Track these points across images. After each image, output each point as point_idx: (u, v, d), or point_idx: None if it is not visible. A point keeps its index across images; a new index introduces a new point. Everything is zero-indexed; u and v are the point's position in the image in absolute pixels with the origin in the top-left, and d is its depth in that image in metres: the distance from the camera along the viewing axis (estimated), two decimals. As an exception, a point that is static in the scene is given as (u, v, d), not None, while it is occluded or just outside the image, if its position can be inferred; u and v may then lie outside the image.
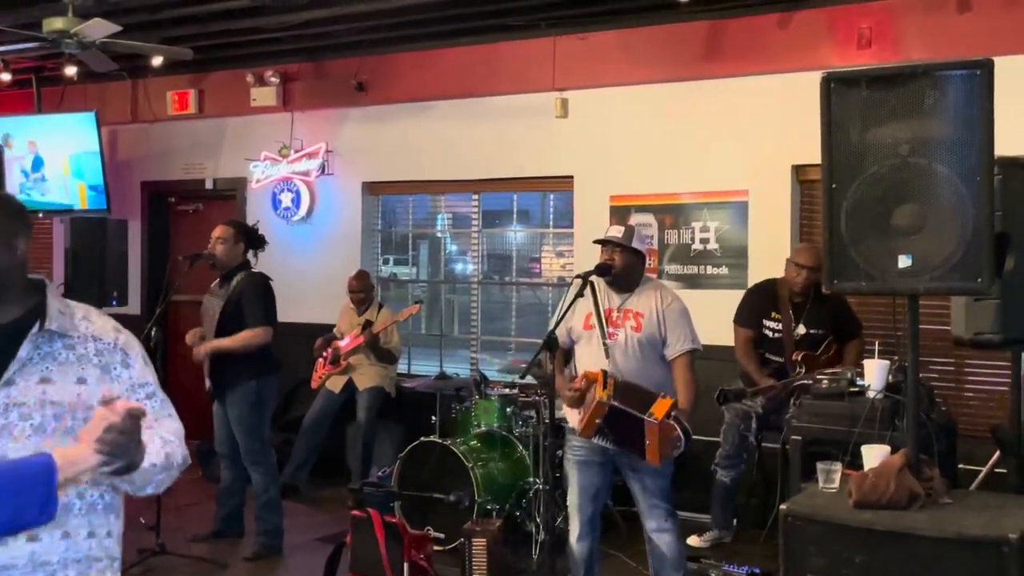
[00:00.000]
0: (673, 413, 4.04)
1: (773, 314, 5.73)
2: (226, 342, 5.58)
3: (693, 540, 5.82)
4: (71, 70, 8.07)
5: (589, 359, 4.37)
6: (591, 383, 4.14)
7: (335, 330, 7.42)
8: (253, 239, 5.86)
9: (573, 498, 4.46)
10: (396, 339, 7.25)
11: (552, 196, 7.63)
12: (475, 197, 7.87)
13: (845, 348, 5.71)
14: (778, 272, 5.99)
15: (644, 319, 4.36)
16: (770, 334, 5.73)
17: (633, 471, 4.36)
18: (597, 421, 4.11)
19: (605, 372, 4.15)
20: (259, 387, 5.70)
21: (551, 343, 4.23)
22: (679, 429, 4.05)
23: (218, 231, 5.76)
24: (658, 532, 4.38)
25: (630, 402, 4.05)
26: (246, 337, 5.58)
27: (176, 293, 6.27)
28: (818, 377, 4.46)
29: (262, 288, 5.71)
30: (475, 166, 7.55)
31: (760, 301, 5.81)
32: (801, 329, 5.65)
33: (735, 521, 6.03)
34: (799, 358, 5.55)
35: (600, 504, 4.55)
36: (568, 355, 4.58)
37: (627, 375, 4.24)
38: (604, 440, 4.22)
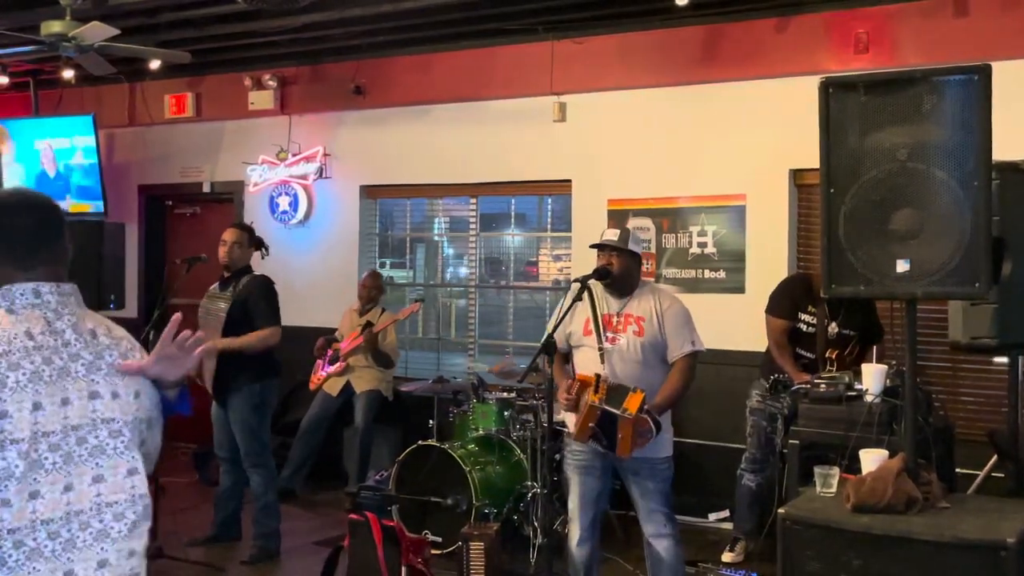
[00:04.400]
0: (646, 407, 4.06)
1: (810, 308, 5.59)
2: (237, 341, 5.57)
3: (726, 556, 5.72)
4: (69, 73, 8.06)
5: (588, 365, 4.37)
6: (585, 387, 4.15)
7: (337, 333, 7.42)
8: (258, 241, 5.90)
9: (574, 502, 4.46)
10: (393, 340, 7.25)
11: (550, 200, 7.64)
12: (472, 201, 7.88)
13: (866, 351, 5.63)
14: (775, 276, 6.00)
15: (645, 323, 4.35)
16: (804, 328, 5.60)
17: (633, 475, 4.36)
18: (590, 425, 4.12)
19: (599, 376, 4.16)
20: (262, 390, 5.71)
21: (549, 347, 4.23)
22: (651, 421, 4.08)
23: (232, 235, 5.77)
24: (656, 537, 4.37)
25: (614, 402, 4.07)
26: (258, 336, 5.58)
27: (174, 296, 6.28)
28: (815, 381, 4.46)
29: (270, 290, 5.74)
30: (472, 170, 7.56)
31: (798, 294, 5.66)
32: (834, 328, 5.54)
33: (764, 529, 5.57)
34: (833, 356, 5.46)
35: (601, 509, 4.55)
36: (568, 359, 4.58)
37: (628, 380, 4.23)
38: (598, 445, 4.23)
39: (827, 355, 5.46)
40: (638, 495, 4.39)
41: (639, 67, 6.83)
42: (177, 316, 2.14)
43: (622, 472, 4.42)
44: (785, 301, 5.69)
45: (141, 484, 2.10)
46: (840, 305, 5.49)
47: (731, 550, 5.78)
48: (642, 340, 4.34)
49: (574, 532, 4.45)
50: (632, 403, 4.03)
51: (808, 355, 5.56)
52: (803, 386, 4.64)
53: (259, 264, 5.97)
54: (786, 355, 5.57)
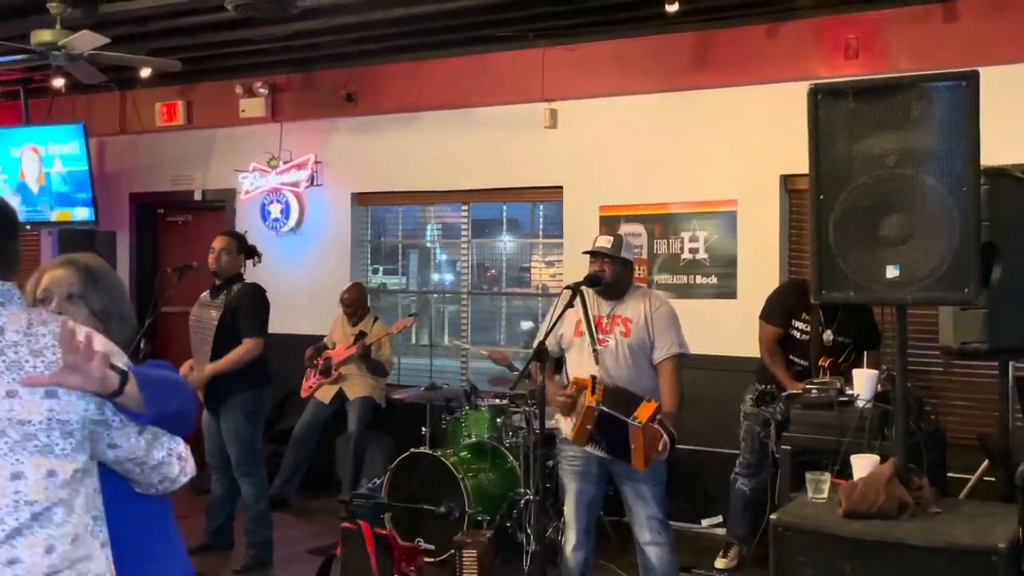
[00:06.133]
0: (658, 417, 4.04)
1: (804, 315, 5.55)
2: (221, 364, 5.57)
3: (720, 562, 5.72)
4: (59, 82, 8.06)
5: (579, 366, 4.38)
6: (581, 389, 4.15)
7: (326, 340, 7.41)
8: (249, 249, 5.89)
9: (569, 508, 4.46)
10: (388, 352, 7.24)
11: (541, 206, 7.64)
12: (464, 207, 7.88)
13: (863, 357, 5.62)
14: (766, 281, 6.01)
15: (633, 324, 4.37)
16: (797, 335, 5.57)
17: (627, 480, 4.36)
18: (588, 427, 4.12)
19: (595, 377, 4.16)
20: (256, 398, 5.70)
21: (541, 354, 4.23)
22: (664, 434, 4.05)
23: (221, 242, 5.75)
24: (650, 544, 4.36)
25: (618, 407, 4.06)
26: (239, 353, 5.57)
27: (165, 305, 6.25)
28: (807, 387, 4.46)
29: (260, 299, 5.73)
30: (464, 176, 7.56)
31: (793, 301, 5.61)
32: (828, 335, 5.51)
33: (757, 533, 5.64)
34: (826, 364, 5.44)
35: (595, 514, 4.55)
36: (558, 364, 4.58)
37: (618, 381, 4.25)
38: (596, 448, 4.22)
39: (820, 363, 5.45)
40: (633, 500, 4.38)
41: (630, 73, 6.84)
42: (71, 325, 1.99)
43: (616, 478, 4.42)
44: (778, 308, 5.66)
45: (29, 491, 1.95)
46: (835, 312, 5.47)
47: (724, 555, 5.78)
48: (629, 341, 4.35)
49: (570, 537, 4.44)
50: (644, 412, 4.00)
51: (802, 363, 5.54)
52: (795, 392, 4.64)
53: (250, 272, 5.96)
54: (778, 362, 5.55)
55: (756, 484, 5.69)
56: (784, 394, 5.15)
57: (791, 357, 5.58)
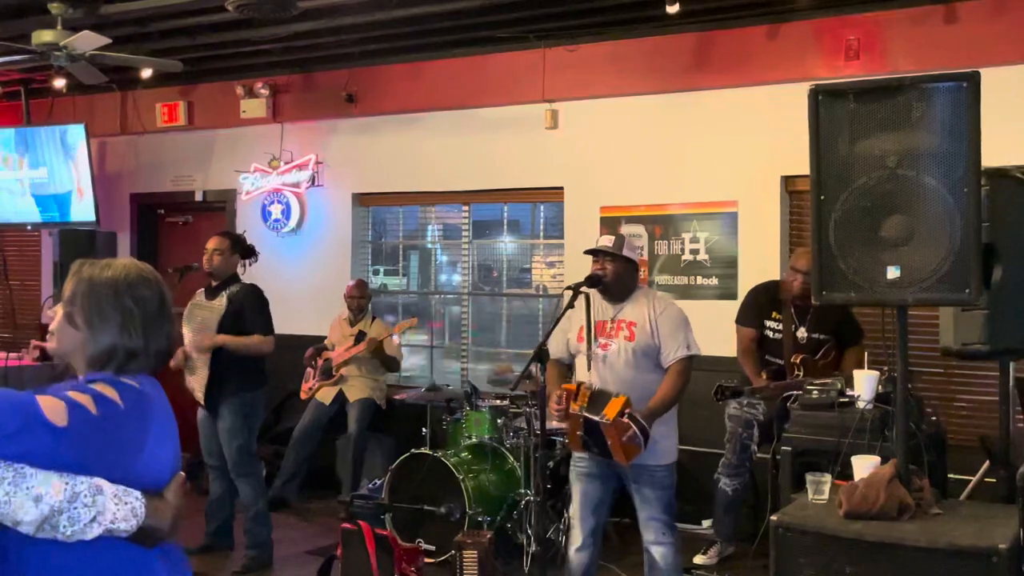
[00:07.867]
0: (627, 411, 4.04)
1: (774, 314, 5.64)
2: (232, 340, 5.55)
3: (699, 559, 5.77)
4: (60, 82, 8.07)
5: (581, 372, 4.40)
6: (569, 396, 4.17)
7: (326, 342, 7.41)
8: (246, 249, 5.87)
9: (575, 509, 4.46)
10: (395, 345, 7.28)
11: (542, 207, 7.64)
12: (465, 208, 7.88)
13: (844, 355, 5.63)
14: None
15: (637, 328, 4.36)
16: (771, 334, 5.65)
17: (634, 482, 4.36)
18: (579, 434, 4.14)
19: (580, 384, 4.17)
20: (252, 399, 5.70)
21: (542, 355, 4.23)
22: (635, 427, 4.05)
23: (215, 243, 5.75)
24: (655, 545, 4.37)
25: (595, 409, 4.08)
26: (256, 340, 5.58)
27: (165, 305, 6.26)
28: (808, 387, 4.46)
29: (262, 300, 5.73)
30: (465, 177, 7.56)
31: (762, 301, 5.72)
32: (803, 333, 5.57)
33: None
34: (798, 361, 5.49)
35: (603, 516, 4.53)
36: (570, 368, 4.59)
37: (620, 385, 4.24)
38: (591, 452, 4.24)
39: (792, 360, 5.48)
40: (638, 502, 4.40)
41: (631, 74, 6.85)
42: None
43: (625, 479, 4.42)
44: (750, 310, 5.78)
45: None
46: (807, 309, 5.52)
47: (704, 553, 5.83)
48: (633, 345, 4.34)
49: (575, 538, 4.44)
50: (611, 409, 4.03)
51: (778, 361, 5.61)
52: (763, 390, 4.71)
53: (250, 272, 5.95)
54: (749, 361, 5.63)
55: (739, 484, 5.78)
56: (747, 389, 5.27)
57: (767, 357, 5.66)
